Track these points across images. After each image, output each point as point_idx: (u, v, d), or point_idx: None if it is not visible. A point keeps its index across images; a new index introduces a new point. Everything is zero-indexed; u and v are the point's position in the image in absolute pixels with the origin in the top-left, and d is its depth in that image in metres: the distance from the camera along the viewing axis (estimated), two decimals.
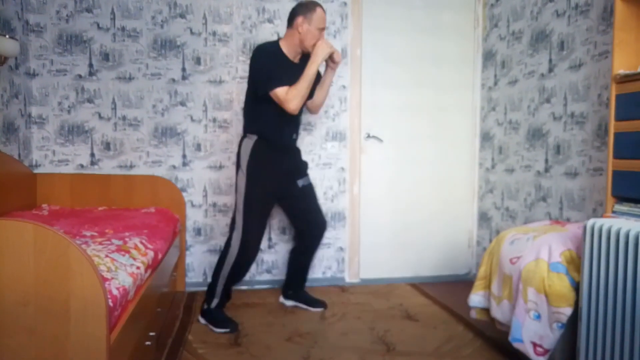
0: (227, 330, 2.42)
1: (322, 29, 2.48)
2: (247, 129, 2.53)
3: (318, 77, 2.61)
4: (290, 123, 2.57)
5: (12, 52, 2.41)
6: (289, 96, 2.35)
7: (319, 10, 2.45)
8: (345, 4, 3.26)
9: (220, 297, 2.52)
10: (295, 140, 2.69)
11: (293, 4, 3.17)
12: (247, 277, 3.23)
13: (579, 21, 2.53)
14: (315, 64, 2.41)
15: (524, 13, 2.99)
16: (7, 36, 2.36)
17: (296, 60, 2.53)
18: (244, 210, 2.44)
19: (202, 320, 2.52)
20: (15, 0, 2.75)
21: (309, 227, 2.77)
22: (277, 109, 2.41)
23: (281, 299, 2.90)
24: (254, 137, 2.48)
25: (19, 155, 2.80)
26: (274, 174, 2.52)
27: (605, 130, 2.35)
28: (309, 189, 2.75)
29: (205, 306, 2.53)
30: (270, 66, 2.40)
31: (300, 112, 2.58)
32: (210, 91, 3.14)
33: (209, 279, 3.17)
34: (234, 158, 3.18)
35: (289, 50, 2.50)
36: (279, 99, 2.36)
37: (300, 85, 2.37)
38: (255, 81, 2.45)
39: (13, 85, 2.71)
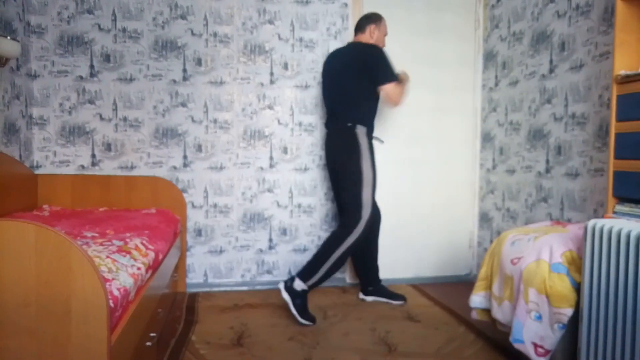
0: (311, 323, 2.51)
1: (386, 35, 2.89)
2: (357, 120, 2.70)
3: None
4: (375, 113, 2.84)
5: (13, 53, 2.42)
6: (395, 91, 2.69)
7: (384, 19, 2.88)
8: (346, 5, 3.26)
9: (319, 279, 2.55)
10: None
11: (293, 6, 3.20)
12: (247, 277, 3.25)
13: (579, 22, 2.53)
14: (407, 79, 2.85)
15: (524, 14, 2.99)
16: (8, 37, 2.37)
17: None
18: (371, 190, 2.65)
19: (289, 299, 2.53)
20: (16, 2, 2.75)
21: (374, 216, 2.82)
22: (376, 104, 2.79)
23: (361, 296, 3.00)
24: (364, 128, 2.70)
25: (20, 156, 2.80)
26: (372, 156, 2.73)
27: (606, 131, 2.34)
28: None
29: (302, 288, 2.53)
30: (389, 62, 2.71)
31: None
32: (211, 92, 3.15)
33: (210, 280, 3.19)
34: (234, 159, 3.19)
35: None
36: (389, 91, 2.67)
37: (401, 87, 2.75)
38: (376, 74, 2.67)
39: (14, 86, 2.71)
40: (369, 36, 2.81)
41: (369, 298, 2.95)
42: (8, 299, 1.25)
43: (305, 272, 2.55)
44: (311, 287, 2.57)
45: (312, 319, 2.53)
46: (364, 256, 2.92)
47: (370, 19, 2.83)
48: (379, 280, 2.99)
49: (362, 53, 2.72)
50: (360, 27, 2.84)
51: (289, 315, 2.68)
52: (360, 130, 2.68)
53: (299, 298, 2.54)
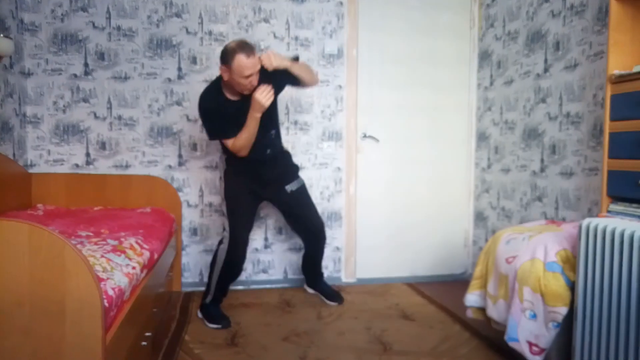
0: (219, 326, 2.49)
1: (249, 76, 2.31)
2: (223, 160, 2.74)
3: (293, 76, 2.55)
4: (258, 142, 2.49)
5: (6, 51, 2.40)
6: (235, 148, 2.47)
7: (237, 59, 2.26)
8: (341, 3, 3.26)
9: (214, 294, 2.62)
10: (271, 153, 2.63)
11: (289, 4, 3.20)
12: (243, 277, 3.24)
13: (574, 22, 2.54)
14: (254, 120, 2.38)
15: (519, 13, 3.00)
16: (1, 35, 2.35)
17: (238, 97, 2.46)
18: (227, 216, 2.66)
19: (199, 315, 2.63)
20: None
21: (305, 234, 2.92)
22: (230, 154, 2.57)
23: (305, 286, 3.14)
24: (225, 167, 2.70)
25: (14, 154, 2.78)
26: (245, 189, 2.63)
27: (600, 130, 2.36)
28: (299, 193, 2.76)
29: (202, 301, 2.65)
30: (213, 120, 2.47)
31: (267, 130, 2.54)
32: None
33: (205, 279, 3.18)
34: None
35: (228, 90, 2.45)
36: (228, 147, 2.50)
37: (243, 136, 2.43)
38: (205, 129, 2.58)
39: (7, 84, 2.69)
40: (222, 75, 2.39)
41: (310, 290, 3.09)
42: (2, 299, 1.24)
43: (204, 292, 2.68)
44: (214, 302, 2.63)
45: (221, 322, 2.52)
46: (306, 265, 3.03)
47: (220, 57, 2.36)
48: (320, 281, 3.04)
49: (198, 105, 2.51)
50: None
51: (284, 314, 2.69)
52: (224, 170, 2.71)
53: (205, 311, 2.60)
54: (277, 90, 2.50)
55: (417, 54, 3.40)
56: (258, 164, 2.62)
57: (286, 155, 2.82)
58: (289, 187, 2.72)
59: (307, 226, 2.85)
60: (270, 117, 2.53)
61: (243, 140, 2.44)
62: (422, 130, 3.44)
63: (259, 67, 2.35)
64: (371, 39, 3.32)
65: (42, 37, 2.94)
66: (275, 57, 2.47)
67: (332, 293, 2.96)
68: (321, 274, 3.05)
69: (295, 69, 2.53)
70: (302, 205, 2.79)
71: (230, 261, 2.58)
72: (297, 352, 2.19)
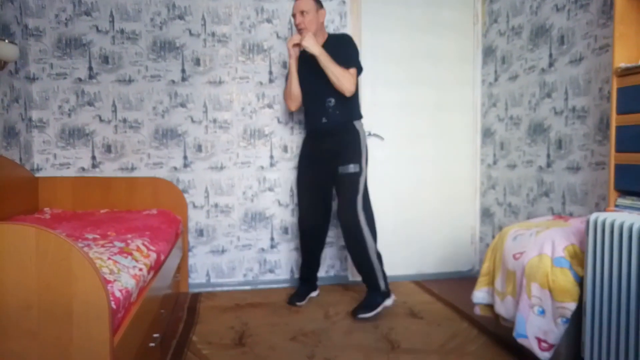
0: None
1: (294, 15, 2.70)
2: None
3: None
4: (314, 107, 2.76)
5: (11, 56, 2.41)
6: (284, 98, 2.93)
7: None
8: (344, 2, 3.25)
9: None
10: (327, 124, 2.71)
11: (291, 4, 3.18)
12: (250, 276, 3.25)
13: (578, 15, 2.52)
14: (290, 66, 2.78)
15: (523, 8, 2.98)
16: (6, 40, 2.36)
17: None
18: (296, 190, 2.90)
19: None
20: (14, 5, 2.75)
21: (338, 218, 2.70)
22: (304, 95, 2.81)
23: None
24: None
25: (20, 159, 2.80)
26: (304, 160, 2.86)
27: (606, 124, 2.34)
28: (348, 179, 2.61)
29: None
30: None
31: (323, 97, 2.69)
32: (210, 92, 3.14)
33: (212, 280, 3.19)
34: (234, 158, 3.19)
35: None
36: None
37: (286, 85, 2.86)
38: None
39: (13, 89, 2.71)
40: None
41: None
42: (10, 302, 1.25)
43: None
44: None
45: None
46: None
47: None
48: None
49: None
50: None
51: (291, 314, 2.68)
52: None
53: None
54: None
55: (421, 51, 3.38)
56: (315, 134, 2.78)
57: (352, 132, 2.68)
58: (342, 169, 2.63)
59: (339, 217, 2.65)
60: (326, 82, 2.62)
61: (285, 90, 2.81)
62: (427, 127, 3.43)
63: (305, 11, 2.64)
64: (374, 38, 3.31)
65: (47, 42, 2.96)
66: (309, 38, 2.59)
67: (361, 305, 2.63)
68: (364, 281, 2.69)
69: (322, 61, 2.59)
70: (343, 192, 2.63)
71: (299, 230, 2.90)
72: (305, 352, 2.18)
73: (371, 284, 2.65)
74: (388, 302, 2.65)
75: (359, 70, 2.71)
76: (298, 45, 2.66)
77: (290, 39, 2.72)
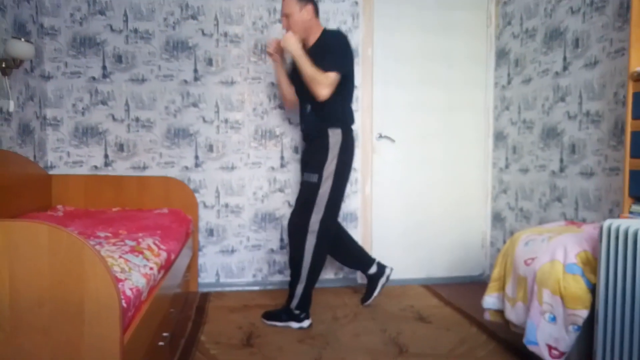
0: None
1: (282, 15, 2.58)
2: None
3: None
4: (299, 112, 2.72)
5: (27, 54, 2.44)
6: None
7: None
8: (356, 3, 3.25)
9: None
10: (304, 130, 2.68)
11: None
12: (259, 277, 3.25)
13: (594, 18, 2.49)
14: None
15: (537, 10, 2.96)
16: (22, 39, 2.39)
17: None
18: None
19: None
20: (30, 4, 2.78)
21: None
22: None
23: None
24: None
25: (34, 156, 2.83)
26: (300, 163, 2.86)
27: (621, 129, 2.30)
28: (305, 187, 2.53)
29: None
30: None
31: (303, 102, 2.64)
32: (222, 92, 3.15)
33: (222, 280, 3.20)
34: (245, 159, 3.20)
35: None
36: None
37: None
38: None
39: (28, 87, 2.74)
40: None
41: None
42: (22, 299, 1.26)
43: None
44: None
45: None
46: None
47: None
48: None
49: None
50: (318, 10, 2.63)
51: None
52: None
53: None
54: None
55: (433, 53, 3.37)
56: (301, 139, 2.80)
57: (323, 140, 2.50)
58: (304, 176, 2.55)
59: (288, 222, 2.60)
60: (306, 87, 2.46)
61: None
62: (438, 130, 3.41)
63: (288, 14, 2.51)
64: (386, 39, 3.30)
65: (62, 40, 2.99)
66: (289, 39, 2.45)
67: (274, 311, 2.59)
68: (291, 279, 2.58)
69: (297, 63, 2.44)
70: (297, 199, 2.57)
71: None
72: (312, 354, 2.18)
73: (289, 296, 2.55)
74: (294, 325, 2.49)
75: (344, 73, 2.46)
76: (275, 53, 2.62)
77: (267, 47, 2.69)
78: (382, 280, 2.84)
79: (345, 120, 2.57)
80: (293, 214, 2.56)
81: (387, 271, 2.85)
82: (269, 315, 2.57)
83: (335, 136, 2.50)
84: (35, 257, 1.26)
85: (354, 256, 2.89)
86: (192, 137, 3.14)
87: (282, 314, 2.54)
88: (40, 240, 1.26)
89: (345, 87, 2.53)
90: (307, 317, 2.52)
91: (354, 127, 2.65)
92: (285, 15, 2.53)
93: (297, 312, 2.51)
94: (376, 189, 3.34)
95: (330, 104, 2.47)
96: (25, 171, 2.60)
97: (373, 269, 2.85)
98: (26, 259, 1.26)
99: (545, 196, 2.88)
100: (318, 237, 2.47)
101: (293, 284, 2.53)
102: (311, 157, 2.58)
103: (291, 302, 2.52)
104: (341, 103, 2.55)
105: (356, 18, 3.26)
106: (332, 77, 2.40)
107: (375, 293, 2.84)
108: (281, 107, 3.22)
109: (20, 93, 2.64)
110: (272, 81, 3.20)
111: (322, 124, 2.53)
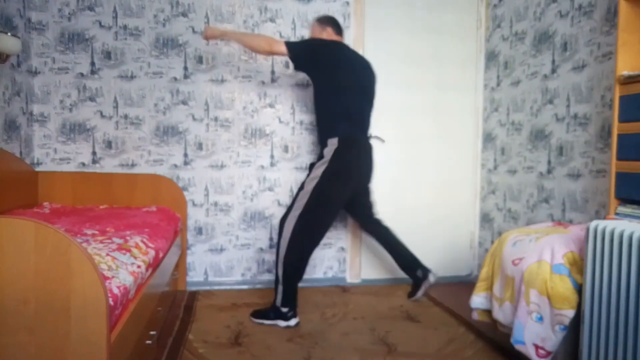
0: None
1: None
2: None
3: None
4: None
5: (14, 49, 2.41)
6: None
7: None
8: (347, 3, 3.25)
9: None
10: (318, 134, 2.80)
11: (295, 4, 3.20)
12: (248, 276, 3.24)
13: (582, 22, 2.52)
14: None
15: (527, 14, 2.98)
16: (9, 34, 2.36)
17: None
18: None
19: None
20: None
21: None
22: None
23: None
24: None
25: (21, 153, 2.79)
26: None
27: (608, 131, 2.34)
28: (299, 190, 2.59)
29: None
30: None
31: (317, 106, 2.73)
32: (212, 90, 3.14)
33: (210, 278, 3.18)
34: (235, 157, 3.19)
35: None
36: None
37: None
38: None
39: (15, 83, 2.70)
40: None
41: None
42: (7, 296, 1.24)
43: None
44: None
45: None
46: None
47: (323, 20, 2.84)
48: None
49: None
50: (341, 30, 2.85)
51: None
52: None
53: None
54: (302, 70, 2.70)
55: (423, 54, 3.38)
56: None
57: (322, 150, 2.61)
58: (305, 180, 2.61)
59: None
60: (314, 101, 2.73)
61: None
62: (428, 131, 3.43)
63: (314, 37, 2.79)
64: (377, 39, 3.31)
65: (49, 36, 2.96)
66: (206, 31, 2.73)
67: (261, 310, 2.62)
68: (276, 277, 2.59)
69: (232, 37, 2.69)
70: (293, 198, 2.60)
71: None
72: (301, 353, 2.18)
73: (275, 293, 2.57)
74: (281, 323, 2.49)
75: (291, 56, 2.57)
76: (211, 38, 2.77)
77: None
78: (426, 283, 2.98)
79: (342, 129, 2.60)
80: (284, 221, 2.57)
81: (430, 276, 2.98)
82: (257, 314, 2.58)
83: (332, 145, 2.58)
84: (20, 255, 1.24)
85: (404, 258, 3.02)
86: (182, 135, 3.12)
87: (270, 312, 2.54)
88: (26, 238, 1.24)
89: (330, 98, 2.61)
90: (294, 316, 2.52)
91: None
92: None
93: (284, 309, 2.51)
94: None
95: (325, 115, 2.65)
96: (11, 167, 2.56)
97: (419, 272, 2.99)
98: (11, 256, 1.24)
99: (533, 197, 2.91)
100: (293, 231, 2.49)
101: (276, 281, 2.56)
102: (315, 162, 2.65)
103: (276, 298, 2.54)
104: (335, 114, 2.62)
105: (347, 18, 3.26)
106: (278, 42, 2.57)
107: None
108: (271, 105, 3.21)
109: (6, 88, 2.60)
110: (262, 80, 3.20)
111: (322, 134, 2.68)
